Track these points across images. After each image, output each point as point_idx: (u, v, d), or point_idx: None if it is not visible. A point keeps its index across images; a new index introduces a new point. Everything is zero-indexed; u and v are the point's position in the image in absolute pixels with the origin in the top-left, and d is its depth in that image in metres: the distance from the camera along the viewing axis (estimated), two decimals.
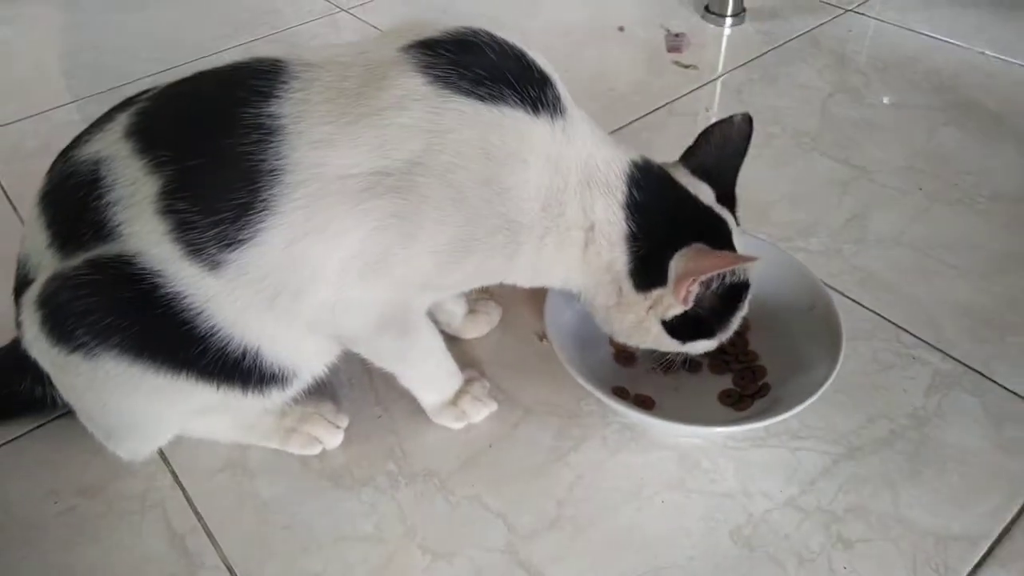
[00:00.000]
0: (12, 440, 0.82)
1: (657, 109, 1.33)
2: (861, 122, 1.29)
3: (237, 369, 0.69)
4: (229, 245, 0.62)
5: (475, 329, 0.92)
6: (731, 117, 0.77)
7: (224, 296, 0.65)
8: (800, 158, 1.21)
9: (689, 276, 0.69)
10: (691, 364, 0.85)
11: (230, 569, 0.71)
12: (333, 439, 0.80)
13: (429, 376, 0.81)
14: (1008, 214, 1.09)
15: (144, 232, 0.63)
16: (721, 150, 0.77)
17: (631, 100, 1.35)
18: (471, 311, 0.92)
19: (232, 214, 0.62)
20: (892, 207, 1.11)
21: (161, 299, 0.64)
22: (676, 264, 0.70)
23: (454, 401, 0.82)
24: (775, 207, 1.11)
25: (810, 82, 1.40)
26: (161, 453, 0.80)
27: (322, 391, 0.83)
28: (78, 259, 0.64)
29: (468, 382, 0.84)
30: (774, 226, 1.07)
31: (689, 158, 0.78)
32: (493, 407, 0.83)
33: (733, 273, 0.72)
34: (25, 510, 0.76)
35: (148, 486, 0.78)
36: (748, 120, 0.77)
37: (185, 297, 0.64)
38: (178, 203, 0.62)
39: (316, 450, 0.80)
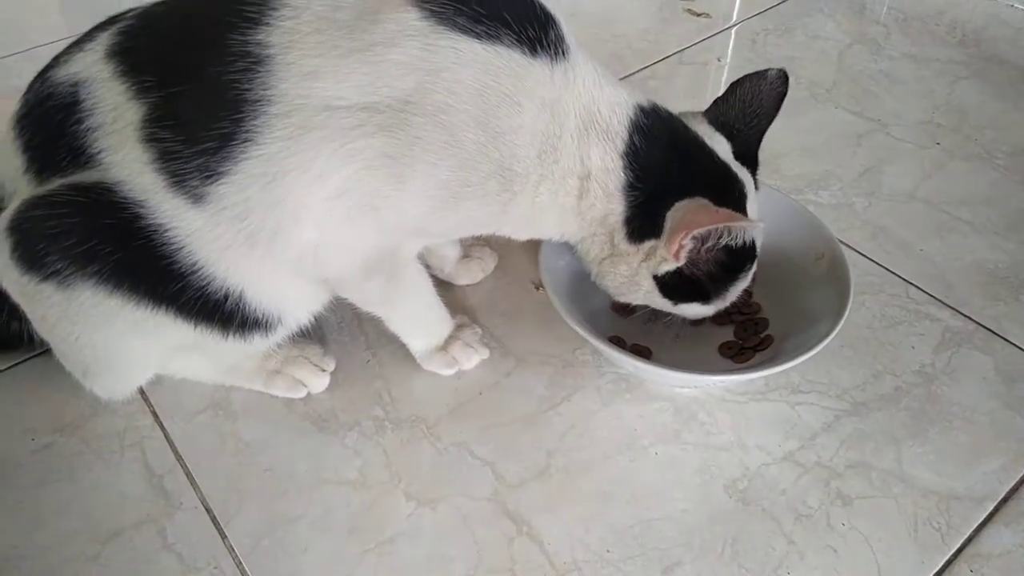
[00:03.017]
0: None
1: (667, 57, 1.28)
2: (879, 74, 1.24)
3: (219, 310, 0.66)
4: (210, 177, 0.60)
5: (468, 275, 0.89)
6: (765, 71, 0.72)
7: (206, 232, 0.62)
8: (814, 109, 1.16)
9: (682, 230, 0.64)
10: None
11: (208, 510, 0.69)
12: (319, 383, 0.78)
13: (418, 321, 0.78)
14: None
15: (127, 161, 0.60)
16: (747, 106, 0.72)
17: (639, 47, 1.30)
18: (465, 256, 0.89)
19: (214, 144, 0.59)
20: (907, 161, 1.06)
21: (142, 231, 0.61)
22: (672, 215, 0.66)
23: (444, 347, 0.79)
24: (787, 158, 1.06)
25: (827, 33, 1.34)
26: (142, 393, 0.78)
27: (309, 334, 0.80)
28: (54, 184, 0.61)
29: (459, 328, 0.81)
30: (785, 178, 1.03)
31: (712, 110, 0.73)
32: (485, 354, 0.80)
33: (731, 234, 0.65)
34: (0, 447, 0.74)
35: (127, 425, 0.75)
36: (783, 78, 0.71)
37: (167, 231, 0.62)
38: (162, 131, 0.59)
39: (301, 393, 0.77)
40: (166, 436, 0.75)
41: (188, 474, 0.72)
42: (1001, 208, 0.99)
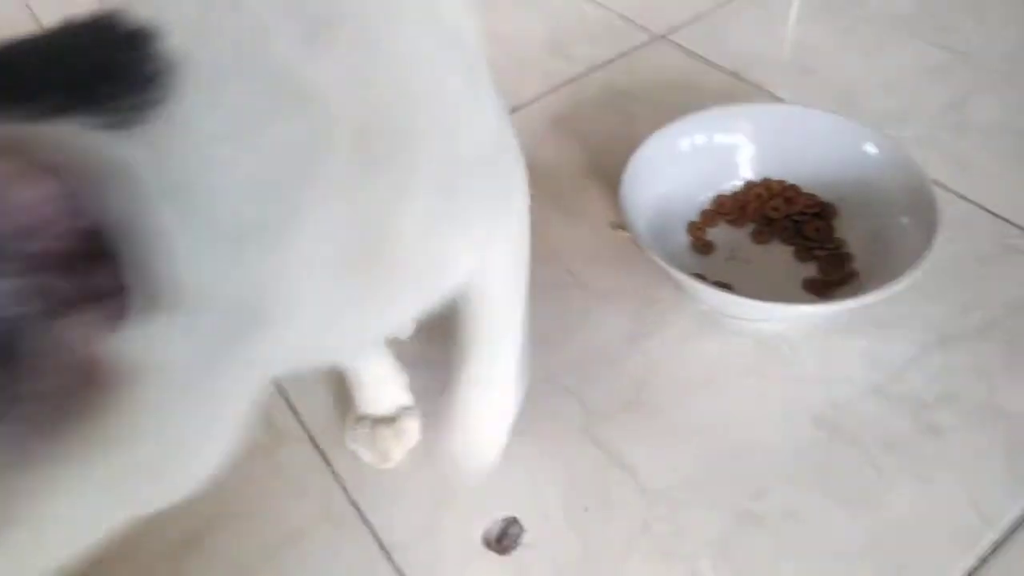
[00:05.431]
0: None
1: None
2: (965, 4, 1.18)
3: None
4: None
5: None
6: None
7: None
8: (893, 43, 1.12)
9: None
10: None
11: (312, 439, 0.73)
12: None
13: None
14: None
15: None
16: None
17: None
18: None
19: None
20: (997, 93, 1.02)
21: None
22: None
23: None
24: (865, 94, 1.03)
25: None
26: None
27: None
28: None
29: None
30: (864, 114, 1.00)
31: None
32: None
33: None
34: None
35: None
36: None
37: None
38: None
39: None
40: None
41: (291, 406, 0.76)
42: None
